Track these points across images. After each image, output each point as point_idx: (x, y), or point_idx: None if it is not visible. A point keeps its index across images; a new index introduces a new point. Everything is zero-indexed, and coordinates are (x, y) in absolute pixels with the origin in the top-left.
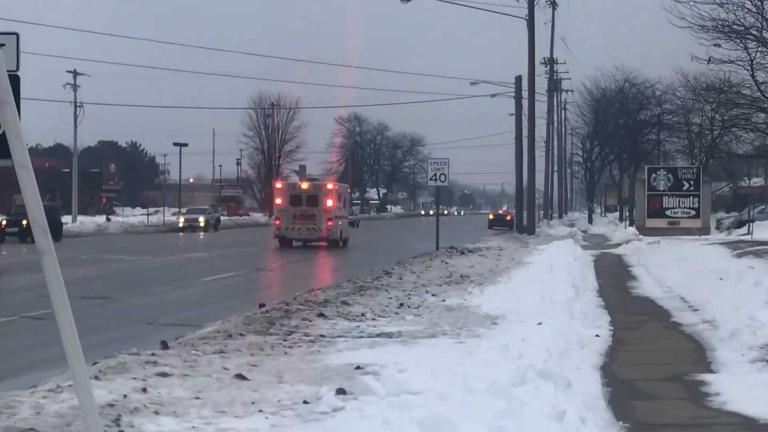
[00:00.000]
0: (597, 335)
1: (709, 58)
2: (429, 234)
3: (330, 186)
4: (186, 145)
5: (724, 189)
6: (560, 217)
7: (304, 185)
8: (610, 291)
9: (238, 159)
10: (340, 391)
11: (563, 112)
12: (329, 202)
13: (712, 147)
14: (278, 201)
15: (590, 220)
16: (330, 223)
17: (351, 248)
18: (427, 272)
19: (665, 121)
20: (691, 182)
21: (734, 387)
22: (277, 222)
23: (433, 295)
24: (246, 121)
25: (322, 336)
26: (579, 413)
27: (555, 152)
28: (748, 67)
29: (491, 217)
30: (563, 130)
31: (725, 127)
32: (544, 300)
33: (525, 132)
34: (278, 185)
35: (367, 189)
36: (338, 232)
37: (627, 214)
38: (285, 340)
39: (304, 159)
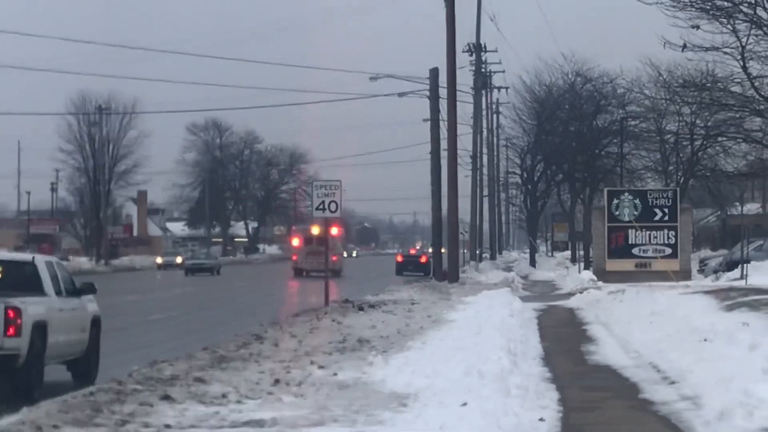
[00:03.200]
0: (541, 419)
1: (685, 44)
2: (316, 283)
3: (335, 230)
4: None
5: (709, 219)
6: (493, 257)
7: (315, 229)
8: (559, 358)
9: (53, 183)
10: None
11: (495, 116)
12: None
13: (692, 163)
14: (296, 242)
15: (533, 262)
16: (335, 258)
17: (207, 306)
18: (312, 336)
19: (630, 129)
20: (666, 210)
21: None
22: (295, 257)
23: (320, 367)
24: (64, 132)
25: (168, 426)
26: None
27: (485, 171)
28: (738, 56)
29: (400, 259)
30: (496, 140)
31: (709, 135)
32: (470, 372)
33: (445, 145)
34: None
35: (232, 222)
36: (340, 265)
37: (581, 253)
38: None
39: (145, 182)
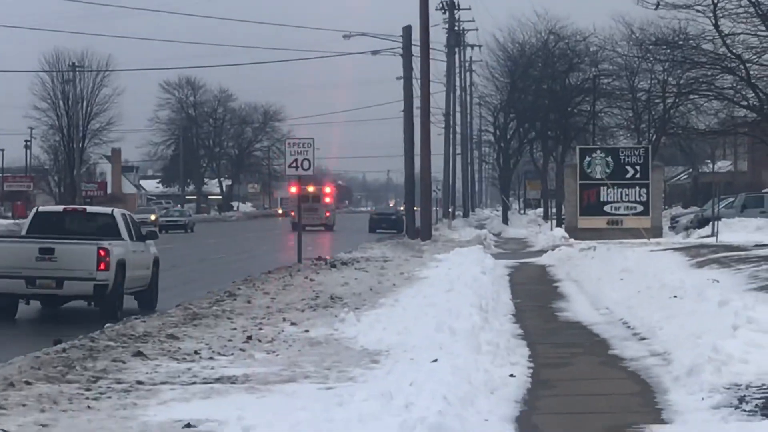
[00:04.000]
0: (512, 375)
1: (658, 2)
2: (290, 241)
3: (328, 189)
4: None
5: (681, 176)
6: (466, 215)
7: (311, 188)
8: (530, 315)
9: (27, 141)
10: None
11: (468, 74)
12: (327, 200)
13: (664, 120)
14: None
15: (505, 220)
16: (328, 213)
17: (180, 263)
18: (285, 293)
19: (603, 87)
20: (638, 167)
21: None
22: (293, 213)
23: (292, 324)
24: (38, 89)
25: (140, 383)
26: None
27: (458, 129)
28: (710, 14)
29: (374, 216)
30: (469, 98)
31: (681, 93)
32: (441, 329)
33: (418, 103)
34: (293, 189)
35: (206, 180)
36: (332, 219)
37: (554, 210)
38: (89, 390)
39: (119, 140)
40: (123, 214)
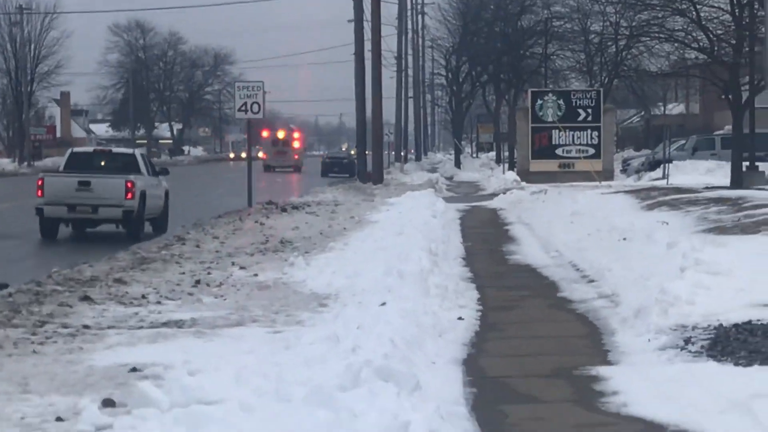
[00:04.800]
0: (460, 318)
1: None
2: (240, 185)
3: (296, 134)
4: None
5: (634, 119)
6: (418, 159)
7: (280, 134)
8: (480, 258)
9: None
10: (108, 403)
11: (420, 17)
12: (296, 144)
13: (616, 63)
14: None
15: (458, 163)
16: (297, 156)
17: None
18: (235, 237)
19: (555, 30)
20: (589, 110)
21: (637, 383)
22: (264, 156)
23: (241, 268)
24: None
25: (87, 327)
26: (428, 425)
27: (410, 72)
28: None
29: (326, 161)
30: (421, 42)
31: (633, 35)
32: (390, 272)
33: (370, 46)
34: (265, 133)
35: (156, 124)
36: (301, 162)
37: (506, 154)
38: (34, 334)
39: (67, 83)
40: (141, 154)
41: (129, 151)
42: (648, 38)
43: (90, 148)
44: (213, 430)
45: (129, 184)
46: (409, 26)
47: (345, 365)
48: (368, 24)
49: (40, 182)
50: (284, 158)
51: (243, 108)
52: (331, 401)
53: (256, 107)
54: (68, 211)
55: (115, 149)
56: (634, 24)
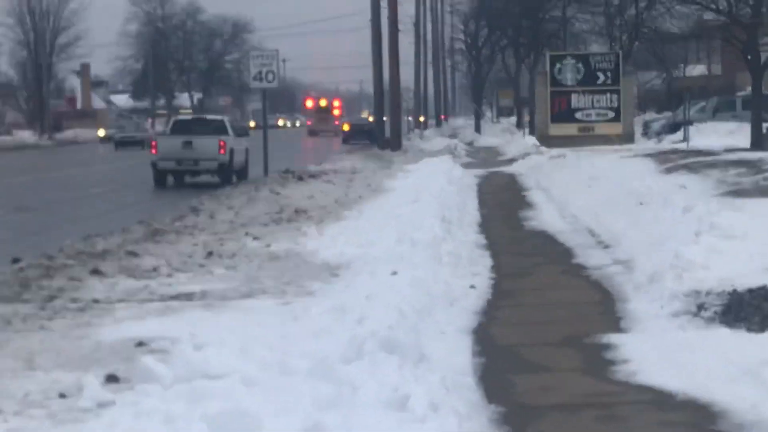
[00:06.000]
0: (472, 286)
1: None
2: (257, 154)
3: (336, 103)
4: None
5: (654, 81)
6: (438, 125)
7: (323, 102)
8: (495, 225)
9: None
10: (111, 379)
11: None
12: (336, 111)
13: (636, 25)
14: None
15: (478, 129)
16: (337, 122)
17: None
18: (249, 207)
19: None
20: (609, 73)
21: (648, 351)
22: (309, 122)
23: (255, 238)
24: (3, 5)
25: (96, 301)
26: (430, 397)
27: (429, 38)
28: None
29: (347, 127)
30: (439, 6)
31: None
32: (402, 241)
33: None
34: (309, 102)
35: (176, 94)
36: (339, 128)
37: (527, 119)
38: (43, 309)
39: (86, 55)
40: (228, 120)
41: (219, 117)
42: (665, 1)
43: (188, 116)
44: (213, 404)
45: (221, 143)
46: None
47: (349, 337)
48: None
49: (153, 143)
50: (326, 124)
51: (258, 77)
52: (334, 374)
53: (270, 76)
54: (176, 164)
55: (208, 116)
56: None
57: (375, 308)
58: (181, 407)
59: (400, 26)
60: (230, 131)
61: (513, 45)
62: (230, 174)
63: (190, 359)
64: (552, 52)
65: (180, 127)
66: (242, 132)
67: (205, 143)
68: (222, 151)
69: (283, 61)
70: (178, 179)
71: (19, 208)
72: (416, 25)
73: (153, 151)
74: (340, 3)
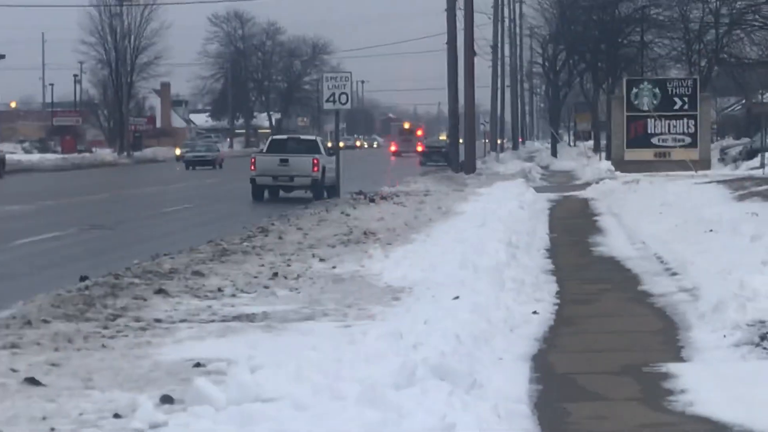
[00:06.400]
0: (535, 312)
1: None
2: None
3: (418, 127)
4: (2, 56)
5: (734, 107)
6: (515, 148)
7: (407, 125)
8: (564, 250)
9: (76, 75)
10: (166, 399)
11: (518, 5)
12: (419, 132)
13: (716, 50)
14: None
15: (554, 152)
16: (419, 144)
17: (224, 197)
18: (319, 228)
19: (653, 16)
20: (686, 99)
21: (707, 381)
22: (394, 144)
23: (321, 260)
24: (86, 24)
25: (158, 321)
26: (478, 425)
27: (507, 61)
28: None
29: (423, 149)
30: (517, 29)
31: (734, 22)
32: (465, 265)
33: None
34: (406, 125)
35: (255, 114)
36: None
37: (605, 142)
38: (106, 328)
39: (166, 74)
40: (321, 140)
41: (312, 137)
42: (746, 26)
43: (284, 136)
44: (263, 428)
45: (315, 161)
46: (506, 14)
47: (401, 362)
48: (460, 12)
49: (252, 160)
50: (409, 145)
51: (331, 99)
52: (382, 400)
53: (344, 98)
54: (272, 180)
55: (302, 136)
56: (734, 11)
57: (432, 334)
58: (232, 430)
59: (478, 49)
60: (322, 150)
61: (591, 69)
62: (322, 190)
63: (244, 382)
64: (628, 77)
65: (276, 146)
66: (333, 152)
67: (300, 161)
68: (315, 169)
69: (362, 82)
70: (273, 194)
71: (93, 225)
72: (494, 48)
73: (252, 168)
74: (419, 25)
